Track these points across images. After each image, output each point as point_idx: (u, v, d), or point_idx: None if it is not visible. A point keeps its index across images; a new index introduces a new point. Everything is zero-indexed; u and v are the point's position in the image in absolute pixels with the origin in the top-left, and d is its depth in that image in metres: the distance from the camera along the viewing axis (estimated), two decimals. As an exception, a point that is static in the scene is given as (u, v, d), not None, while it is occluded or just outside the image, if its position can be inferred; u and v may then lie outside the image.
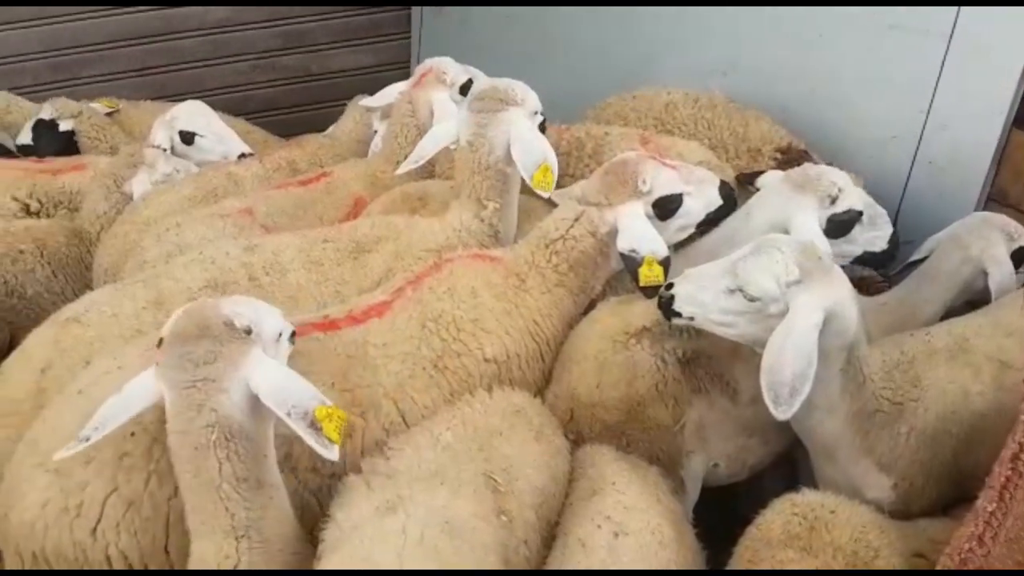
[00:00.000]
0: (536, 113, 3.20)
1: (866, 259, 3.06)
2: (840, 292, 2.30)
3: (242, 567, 1.92)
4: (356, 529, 1.92)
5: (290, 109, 6.31)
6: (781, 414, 2.17)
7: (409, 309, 2.67)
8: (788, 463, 3.02)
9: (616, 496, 2.25)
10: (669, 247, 2.83)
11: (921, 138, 3.74)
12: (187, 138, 4.42)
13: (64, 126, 4.98)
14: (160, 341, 1.99)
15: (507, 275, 2.85)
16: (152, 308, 2.69)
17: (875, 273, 3.42)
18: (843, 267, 3.33)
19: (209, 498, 1.90)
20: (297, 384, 1.97)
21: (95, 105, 5.21)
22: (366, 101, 4.46)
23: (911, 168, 3.79)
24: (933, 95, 3.68)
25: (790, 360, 2.16)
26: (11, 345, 3.77)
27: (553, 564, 2.16)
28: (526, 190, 3.56)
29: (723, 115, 3.84)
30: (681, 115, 3.90)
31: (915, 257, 3.28)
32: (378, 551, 1.81)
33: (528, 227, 3.37)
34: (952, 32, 3.54)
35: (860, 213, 2.93)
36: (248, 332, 1.99)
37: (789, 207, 2.91)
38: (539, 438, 2.40)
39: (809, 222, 2.85)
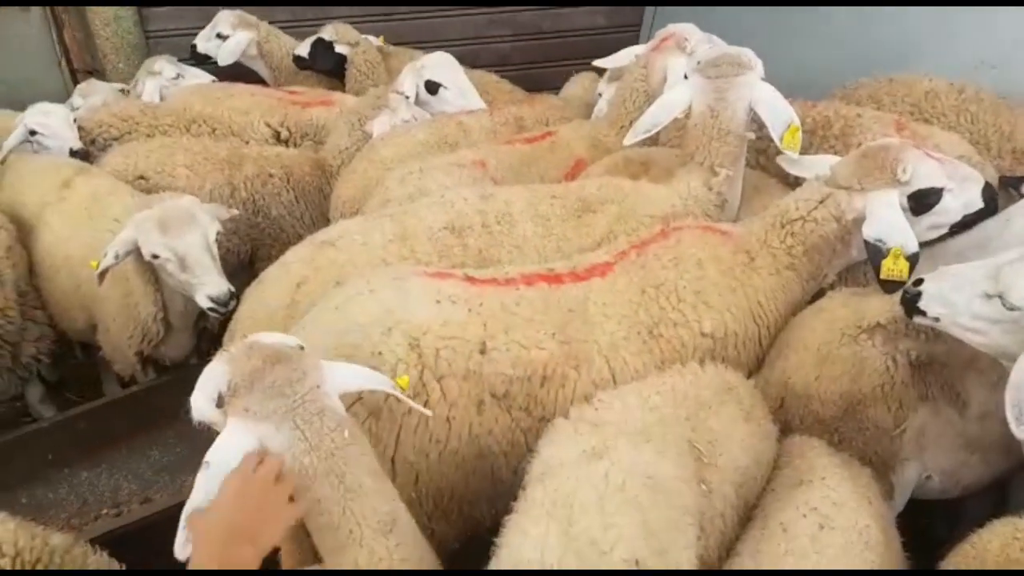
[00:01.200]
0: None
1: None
2: None
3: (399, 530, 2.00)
4: (562, 467, 2.05)
5: (519, 66, 6.53)
6: (1021, 433, 2.08)
7: (631, 273, 2.77)
8: (996, 489, 2.88)
9: (825, 490, 2.25)
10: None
11: None
12: (432, 88, 4.75)
13: (340, 49, 5.53)
14: (220, 399, 1.90)
15: (736, 251, 2.87)
16: (397, 242, 2.99)
17: None
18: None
19: (362, 493, 1.93)
20: (362, 368, 2.09)
21: (371, 39, 5.69)
22: (600, 61, 4.56)
23: None
24: None
25: None
26: (250, 260, 4.31)
27: (749, 544, 2.21)
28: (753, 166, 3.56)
29: (990, 110, 3.56)
30: (942, 105, 3.66)
31: None
32: (582, 490, 1.94)
33: (757, 204, 3.37)
34: None
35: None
36: (301, 348, 2.00)
37: None
38: (748, 419, 2.44)
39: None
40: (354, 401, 2.25)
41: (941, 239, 2.94)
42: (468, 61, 5.84)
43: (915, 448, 2.62)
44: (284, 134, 5.03)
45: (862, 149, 2.87)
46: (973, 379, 2.56)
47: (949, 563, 2.24)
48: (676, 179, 3.30)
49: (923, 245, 2.91)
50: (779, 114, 3.04)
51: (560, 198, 3.25)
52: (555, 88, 5.68)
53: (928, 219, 2.83)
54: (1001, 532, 2.19)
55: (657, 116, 3.29)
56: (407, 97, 4.61)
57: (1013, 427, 2.10)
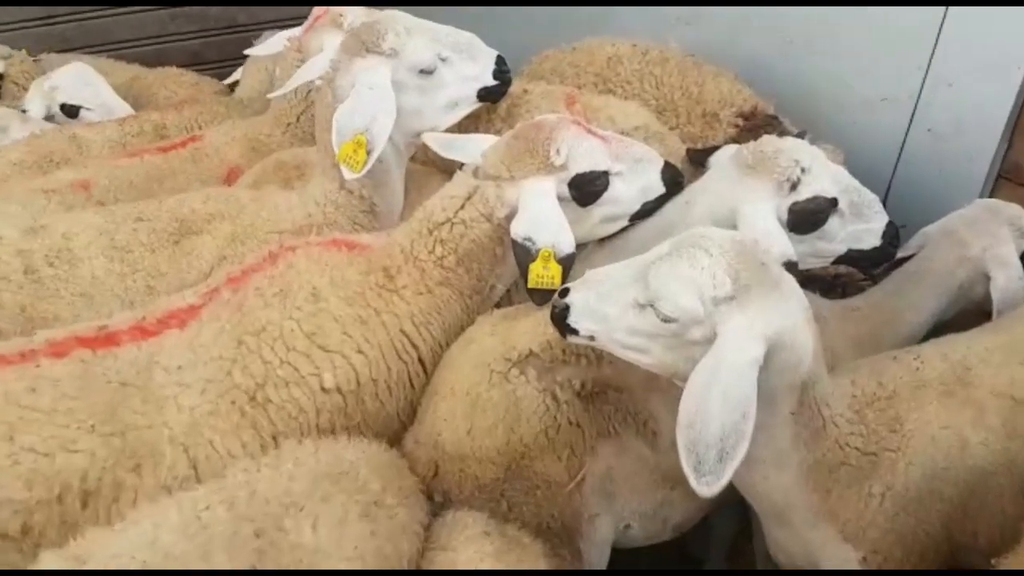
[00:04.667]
0: (420, 72, 2.43)
1: (854, 258, 2.29)
2: (790, 312, 1.60)
3: None
4: None
5: (215, 63, 5.46)
6: (706, 487, 1.49)
7: (223, 318, 1.95)
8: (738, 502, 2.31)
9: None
10: (582, 244, 2.13)
11: (919, 100, 2.95)
12: (71, 112, 3.63)
13: None
14: None
15: (370, 269, 2.11)
16: None
17: (855, 270, 2.65)
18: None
19: None
20: None
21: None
22: (251, 50, 3.64)
23: (905, 137, 3.01)
24: (934, 46, 2.88)
25: (718, 412, 1.48)
26: None
27: None
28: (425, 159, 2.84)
29: (675, 71, 3.03)
30: (626, 71, 3.09)
31: (903, 254, 2.53)
32: None
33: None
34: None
35: (833, 201, 2.16)
36: None
37: (737, 194, 2.15)
38: (370, 512, 1.68)
39: (761, 214, 2.09)
40: None
41: (623, 231, 2.32)
42: (152, 62, 4.79)
43: (602, 499, 1.99)
44: None
45: (513, 131, 2.21)
46: (659, 402, 1.95)
47: None
48: (311, 183, 2.51)
49: (602, 240, 2.31)
50: (351, 115, 2.27)
51: (149, 220, 2.37)
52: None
53: (599, 211, 2.21)
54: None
55: (304, 72, 2.63)
56: (24, 111, 3.48)
57: (692, 480, 1.49)
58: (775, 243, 1.99)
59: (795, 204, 2.12)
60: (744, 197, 2.12)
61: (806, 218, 2.14)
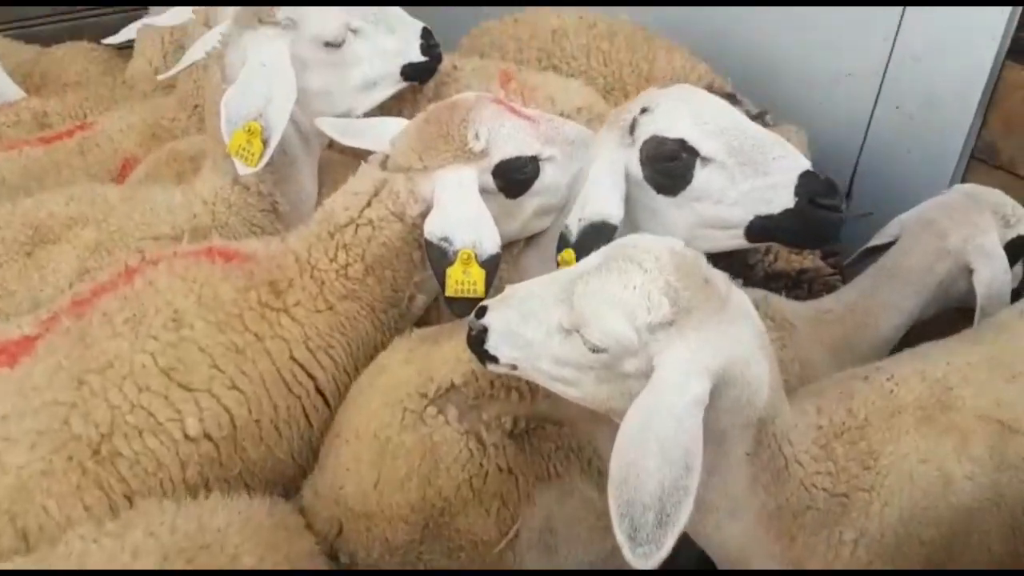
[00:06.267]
0: (326, 44, 2.02)
1: (769, 229, 1.66)
2: (739, 340, 1.26)
3: None
4: None
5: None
6: (643, 560, 1.14)
7: (61, 351, 1.52)
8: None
9: None
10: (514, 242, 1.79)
11: (885, 74, 2.63)
12: None
13: None
14: None
15: (250, 285, 1.69)
16: None
17: (822, 264, 2.30)
18: (767, 256, 2.25)
19: None
20: None
21: None
22: (147, 20, 3.09)
23: (872, 115, 2.67)
24: (901, 18, 2.55)
25: (656, 465, 1.15)
26: None
27: None
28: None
29: (624, 46, 2.64)
30: (572, 45, 2.69)
31: (876, 242, 2.18)
32: None
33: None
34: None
35: (680, 143, 1.64)
36: None
37: (594, 153, 1.80)
38: None
39: (599, 170, 1.72)
40: None
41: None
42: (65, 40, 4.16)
43: (541, 555, 1.61)
44: None
45: (424, 113, 1.82)
46: (607, 435, 1.54)
47: None
48: (199, 177, 2.07)
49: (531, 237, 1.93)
50: (243, 97, 1.86)
51: (-1, 227, 1.91)
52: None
53: (531, 202, 1.82)
54: None
55: (194, 50, 2.23)
56: None
57: (627, 550, 1.15)
58: (591, 200, 1.66)
59: (641, 152, 1.70)
60: (595, 155, 1.76)
61: (659, 169, 1.68)
